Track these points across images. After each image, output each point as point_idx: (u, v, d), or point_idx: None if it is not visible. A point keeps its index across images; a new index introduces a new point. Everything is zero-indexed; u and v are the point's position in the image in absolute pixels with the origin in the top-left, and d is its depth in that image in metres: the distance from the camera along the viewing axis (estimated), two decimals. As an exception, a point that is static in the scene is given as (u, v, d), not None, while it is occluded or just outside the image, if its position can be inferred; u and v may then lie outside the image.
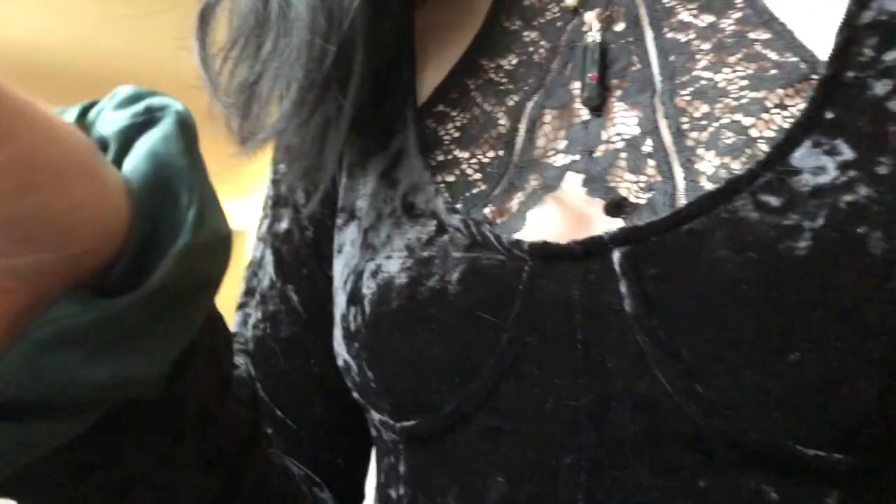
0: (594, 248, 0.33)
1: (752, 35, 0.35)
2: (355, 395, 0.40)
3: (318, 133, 0.40)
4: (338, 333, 0.40)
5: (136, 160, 0.25)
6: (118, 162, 0.25)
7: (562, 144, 0.37)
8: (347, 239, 0.42)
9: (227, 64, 0.41)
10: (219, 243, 0.26)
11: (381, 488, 0.41)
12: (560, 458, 0.33)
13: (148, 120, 0.26)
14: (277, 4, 0.39)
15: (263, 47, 0.40)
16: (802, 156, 0.31)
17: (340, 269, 0.41)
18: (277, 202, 0.49)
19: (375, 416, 0.39)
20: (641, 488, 0.32)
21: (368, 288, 0.37)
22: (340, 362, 0.40)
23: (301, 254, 0.47)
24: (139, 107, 0.26)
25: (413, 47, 0.44)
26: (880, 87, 0.31)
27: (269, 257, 0.48)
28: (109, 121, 0.26)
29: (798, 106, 0.32)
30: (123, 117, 0.26)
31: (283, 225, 0.48)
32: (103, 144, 0.26)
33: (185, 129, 0.26)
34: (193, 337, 0.27)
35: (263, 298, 0.48)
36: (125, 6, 3.04)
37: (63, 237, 0.22)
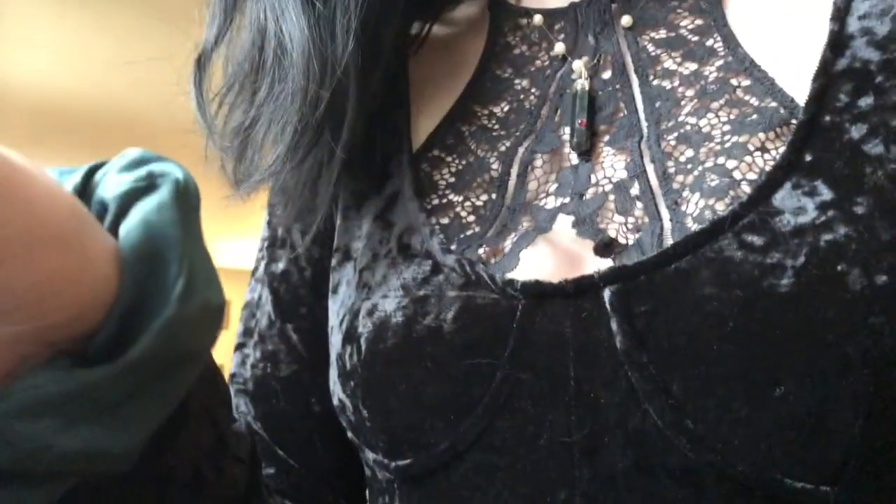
0: (585, 287, 0.33)
1: (733, 81, 0.36)
2: (350, 434, 0.41)
3: (311, 175, 0.41)
4: (333, 373, 0.41)
5: (129, 227, 0.24)
6: (115, 227, 0.25)
7: (552, 187, 0.38)
8: (343, 279, 0.42)
9: (223, 108, 0.42)
10: (206, 316, 0.25)
11: None
12: (554, 493, 0.33)
13: (148, 186, 0.25)
14: (273, 52, 0.40)
15: (259, 93, 0.41)
16: (783, 197, 0.32)
17: (336, 309, 0.42)
18: (273, 243, 0.49)
19: (370, 455, 0.40)
20: None
21: (364, 327, 0.38)
22: (336, 402, 0.41)
23: (300, 293, 0.47)
24: (141, 171, 0.26)
25: (408, 95, 0.45)
26: (856, 131, 0.33)
27: (266, 297, 0.49)
28: (112, 184, 0.26)
29: (778, 149, 0.34)
30: (125, 181, 0.25)
31: (281, 265, 0.48)
32: (104, 207, 0.26)
33: (183, 198, 0.25)
34: (188, 398, 0.26)
35: (262, 338, 0.48)
36: (134, 50, 3.11)
37: (35, 309, 0.22)
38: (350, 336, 0.39)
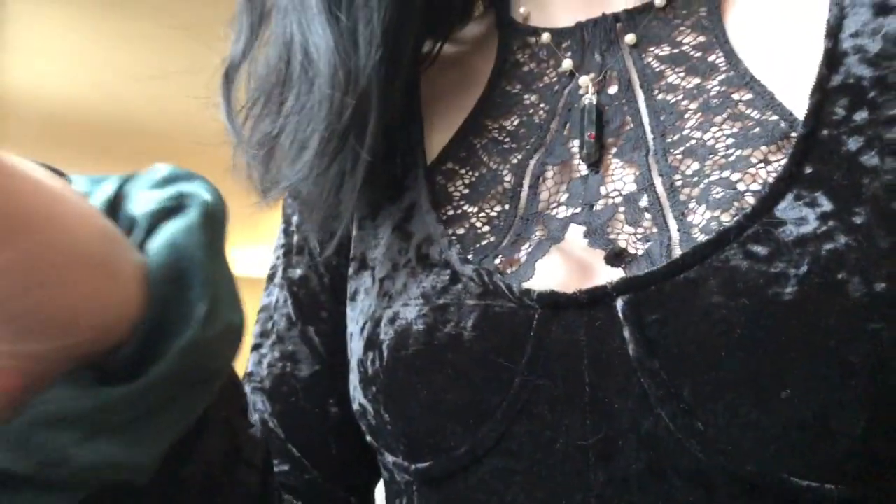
0: (598, 297, 0.35)
1: (735, 96, 0.38)
2: (369, 438, 0.42)
3: (335, 184, 0.43)
4: (354, 378, 0.42)
5: (157, 247, 0.25)
6: (143, 244, 0.26)
7: (563, 198, 0.40)
8: (361, 287, 0.44)
9: (250, 120, 0.45)
10: (227, 338, 0.26)
11: None
12: (570, 496, 0.35)
13: (177, 206, 0.26)
14: (300, 64, 0.42)
15: (286, 103, 0.43)
16: (786, 208, 0.34)
17: (355, 316, 0.44)
18: (290, 251, 0.51)
19: (389, 458, 0.41)
20: None
21: (386, 334, 0.39)
22: (356, 406, 0.42)
23: (320, 298, 0.49)
24: (171, 191, 0.26)
25: (420, 110, 0.47)
26: (853, 144, 0.34)
27: (285, 299, 0.50)
28: (142, 200, 0.26)
29: (780, 161, 0.35)
30: (155, 200, 0.26)
31: (299, 271, 0.50)
32: (132, 222, 0.26)
33: (211, 220, 0.26)
34: (207, 409, 0.28)
35: (280, 339, 0.49)
36: (147, 59, 3.14)
37: (65, 329, 0.23)
38: (372, 343, 0.40)
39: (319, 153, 0.42)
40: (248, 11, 0.45)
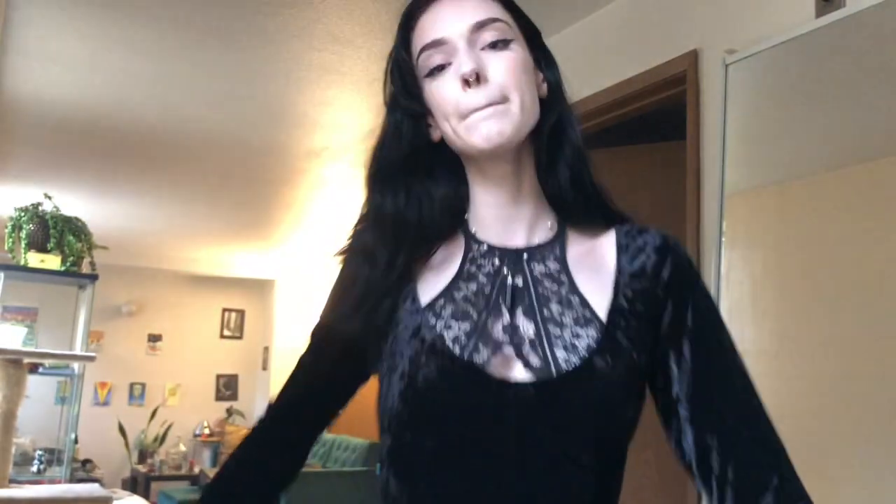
0: (520, 390, 0.72)
1: (572, 299, 0.76)
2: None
3: (368, 324, 0.79)
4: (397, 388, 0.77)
5: None
6: None
7: (500, 332, 0.75)
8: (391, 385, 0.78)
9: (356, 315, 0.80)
10: None
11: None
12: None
13: None
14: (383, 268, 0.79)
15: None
16: (597, 359, 0.73)
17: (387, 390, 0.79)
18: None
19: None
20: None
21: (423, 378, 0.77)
22: (392, 405, 0.78)
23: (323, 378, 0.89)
24: None
25: (415, 279, 0.81)
26: (622, 337, 0.75)
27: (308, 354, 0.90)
28: None
29: (593, 337, 0.74)
30: None
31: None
32: None
33: None
34: None
35: (305, 365, 0.89)
36: (157, 65, 3.20)
37: None
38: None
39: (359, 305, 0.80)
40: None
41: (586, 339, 0.72)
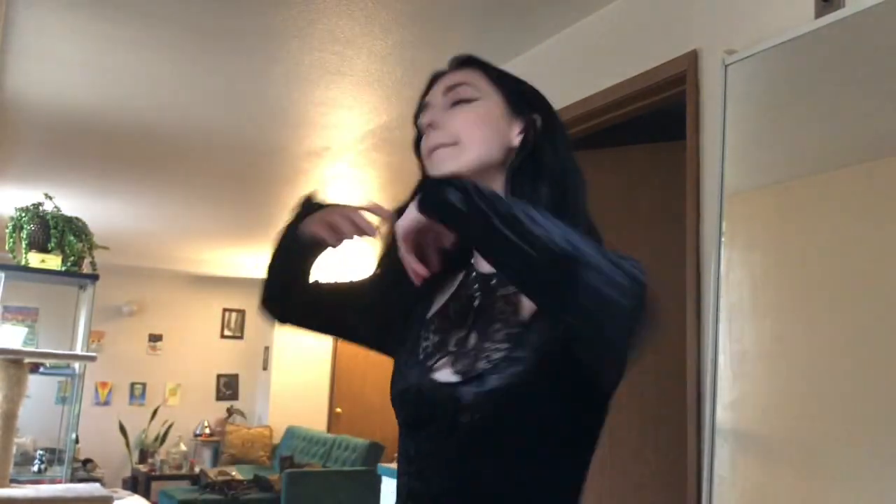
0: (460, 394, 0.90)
1: (512, 318, 0.91)
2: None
3: (384, 327, 1.08)
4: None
5: None
6: None
7: (452, 343, 0.95)
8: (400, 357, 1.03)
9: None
10: None
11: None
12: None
13: None
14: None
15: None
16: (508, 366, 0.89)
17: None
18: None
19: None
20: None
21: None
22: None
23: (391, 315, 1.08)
24: None
25: (433, 299, 1.03)
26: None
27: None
28: None
29: (522, 359, 0.88)
30: None
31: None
32: None
33: None
34: None
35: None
36: (159, 66, 3.21)
37: None
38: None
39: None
40: None
41: (505, 352, 0.87)
